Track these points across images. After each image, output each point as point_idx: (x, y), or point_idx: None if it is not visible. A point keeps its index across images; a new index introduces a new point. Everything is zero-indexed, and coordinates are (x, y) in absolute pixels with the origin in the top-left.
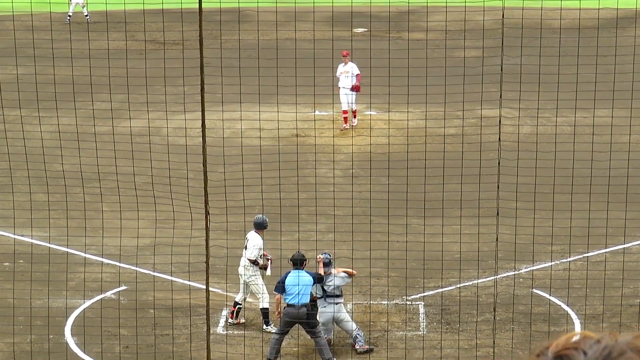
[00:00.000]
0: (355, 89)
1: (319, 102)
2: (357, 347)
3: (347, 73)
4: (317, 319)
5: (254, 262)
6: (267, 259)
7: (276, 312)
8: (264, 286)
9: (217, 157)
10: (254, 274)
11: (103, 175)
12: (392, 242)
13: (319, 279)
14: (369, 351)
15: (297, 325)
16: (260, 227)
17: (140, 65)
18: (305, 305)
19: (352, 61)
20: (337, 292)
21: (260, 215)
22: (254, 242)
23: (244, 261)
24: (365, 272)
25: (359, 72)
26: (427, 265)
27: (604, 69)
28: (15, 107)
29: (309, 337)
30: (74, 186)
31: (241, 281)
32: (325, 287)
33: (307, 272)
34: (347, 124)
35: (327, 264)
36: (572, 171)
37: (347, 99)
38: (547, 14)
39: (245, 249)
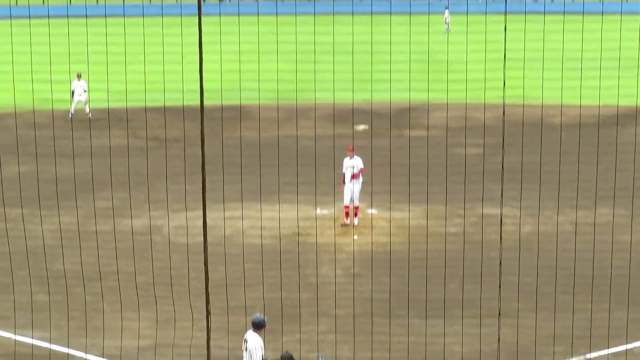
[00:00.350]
0: (354, 176)
1: (320, 200)
2: None
3: (352, 167)
4: None
5: None
6: None
7: None
8: None
9: (218, 256)
10: None
11: (104, 274)
12: (393, 342)
13: None
14: None
15: None
16: (259, 326)
17: (142, 163)
18: None
19: (357, 155)
20: None
21: (259, 314)
22: (254, 342)
23: None
24: None
25: (362, 167)
26: None
27: (605, 167)
28: (17, 206)
29: None
30: (75, 286)
31: None
32: None
33: None
34: (348, 219)
35: None
36: (573, 270)
37: (350, 194)
38: (548, 112)
39: (245, 350)
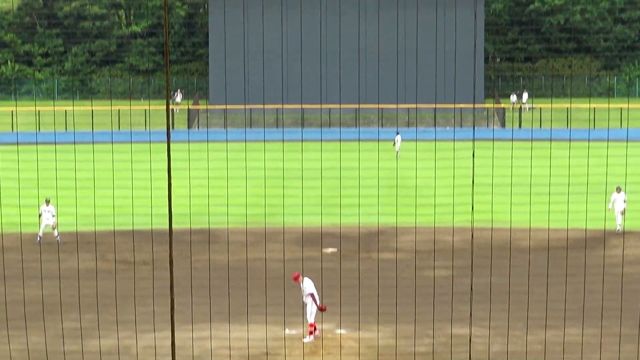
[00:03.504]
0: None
1: (288, 321)
2: None
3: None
4: None
5: None
6: None
7: None
8: None
9: None
10: None
11: None
12: None
13: None
14: None
15: None
16: None
17: (110, 285)
18: None
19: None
20: None
21: None
22: None
23: None
24: None
25: (312, 291)
26: None
27: (574, 288)
28: None
29: None
30: None
31: None
32: None
33: None
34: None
35: None
36: None
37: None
38: (516, 235)
39: None
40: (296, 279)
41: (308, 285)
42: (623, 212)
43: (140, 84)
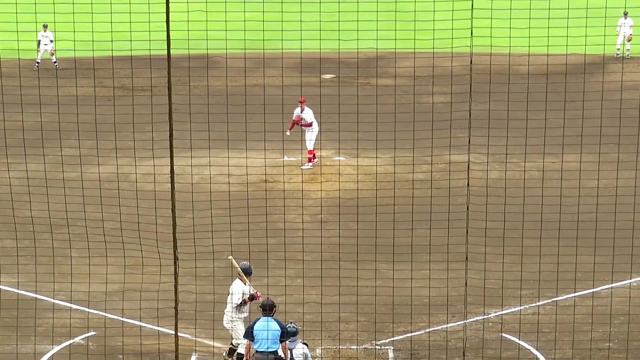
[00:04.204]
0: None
1: (287, 148)
2: None
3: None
4: None
5: (241, 304)
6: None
7: (245, 359)
8: (243, 332)
9: (185, 202)
10: (234, 319)
11: (72, 221)
12: (361, 287)
13: (286, 333)
14: None
15: None
16: (245, 273)
17: (109, 112)
18: (274, 352)
19: (308, 107)
20: None
21: (246, 262)
22: (238, 288)
23: (227, 307)
24: (334, 316)
25: (312, 120)
26: (396, 310)
27: (572, 115)
28: None
29: None
30: (42, 232)
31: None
32: (295, 357)
33: (276, 320)
34: (310, 163)
35: (294, 333)
36: (540, 216)
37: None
38: (515, 60)
39: (230, 294)
40: (302, 102)
41: (308, 114)
42: (630, 39)
43: None
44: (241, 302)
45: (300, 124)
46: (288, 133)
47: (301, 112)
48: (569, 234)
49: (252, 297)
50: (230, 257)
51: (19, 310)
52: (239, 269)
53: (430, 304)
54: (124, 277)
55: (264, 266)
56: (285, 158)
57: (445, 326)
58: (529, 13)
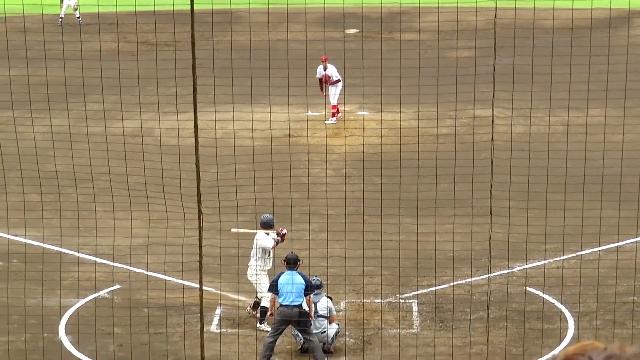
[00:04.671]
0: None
1: (311, 103)
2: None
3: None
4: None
5: (273, 247)
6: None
7: (269, 313)
8: (267, 285)
9: (209, 157)
10: (258, 273)
11: (96, 175)
12: (385, 241)
13: (310, 287)
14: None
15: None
16: (267, 226)
17: (133, 67)
18: (298, 305)
19: (331, 64)
20: (326, 314)
21: (268, 214)
22: (263, 235)
23: (251, 261)
24: (358, 270)
25: (338, 77)
26: (421, 264)
27: (597, 69)
28: (8, 109)
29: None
30: (67, 186)
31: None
32: (319, 310)
33: (300, 274)
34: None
35: (319, 287)
36: (565, 170)
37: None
38: (540, 14)
39: (255, 246)
40: (324, 61)
41: (332, 71)
42: None
43: None
44: (273, 245)
45: (328, 83)
46: (323, 94)
47: (324, 70)
48: (594, 188)
49: (282, 238)
50: (232, 229)
51: (45, 264)
52: (249, 231)
53: (454, 258)
54: (149, 231)
55: (288, 220)
56: (309, 113)
57: (469, 280)
58: None
